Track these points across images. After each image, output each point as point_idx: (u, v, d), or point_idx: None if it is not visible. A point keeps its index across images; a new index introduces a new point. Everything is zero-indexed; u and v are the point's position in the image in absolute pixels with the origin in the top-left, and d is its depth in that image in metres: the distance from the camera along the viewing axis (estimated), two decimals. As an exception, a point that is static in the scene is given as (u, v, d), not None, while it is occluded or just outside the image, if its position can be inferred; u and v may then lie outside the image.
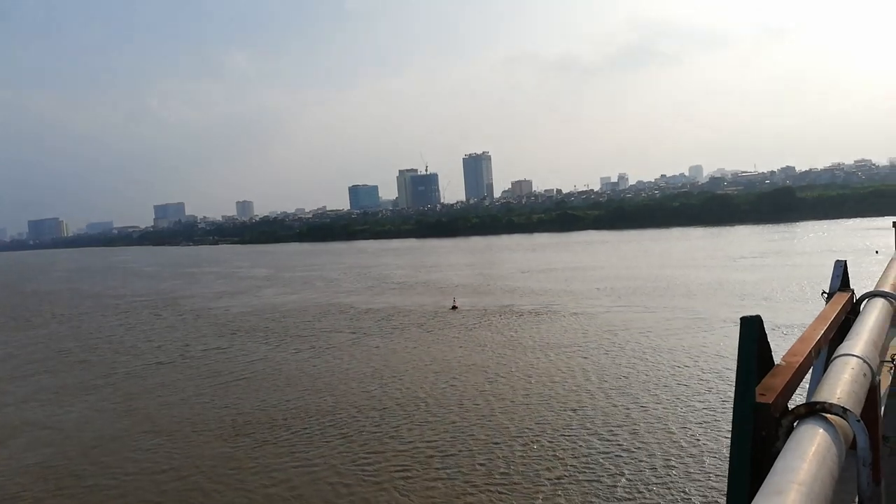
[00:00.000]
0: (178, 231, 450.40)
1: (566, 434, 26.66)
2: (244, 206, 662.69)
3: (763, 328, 3.16)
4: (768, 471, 2.20)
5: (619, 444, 25.22)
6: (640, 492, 21.07)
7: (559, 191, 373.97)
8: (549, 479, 22.29)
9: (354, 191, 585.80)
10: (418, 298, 71.84)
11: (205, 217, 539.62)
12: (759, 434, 2.79)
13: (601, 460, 23.82)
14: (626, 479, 22.01)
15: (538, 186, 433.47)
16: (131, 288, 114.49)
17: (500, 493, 21.67)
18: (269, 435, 28.97)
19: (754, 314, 3.18)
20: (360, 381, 37.39)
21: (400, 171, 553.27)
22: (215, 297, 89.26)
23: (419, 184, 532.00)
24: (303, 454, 26.32)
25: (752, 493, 2.09)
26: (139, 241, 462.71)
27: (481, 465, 24.09)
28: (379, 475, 23.64)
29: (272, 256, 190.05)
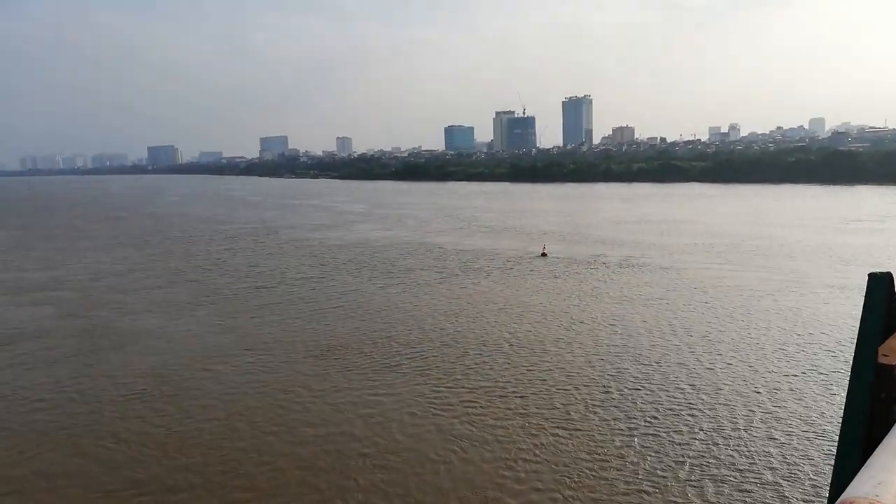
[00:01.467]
0: (281, 164, 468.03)
1: (646, 386, 26.58)
2: (343, 142, 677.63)
3: (893, 286, 2.96)
4: (885, 433, 2.15)
5: (700, 401, 24.90)
6: (715, 448, 20.88)
7: (663, 139, 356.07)
8: (624, 429, 22.47)
9: (450, 131, 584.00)
10: (506, 243, 72.06)
11: (306, 151, 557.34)
12: (877, 395, 2.70)
13: (680, 414, 23.70)
14: (704, 435, 21.84)
15: (641, 134, 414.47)
16: (237, 215, 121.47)
17: (572, 435, 22.11)
18: (355, 360, 30.70)
19: (885, 271, 3.01)
20: (443, 318, 38.53)
21: (496, 113, 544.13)
22: (313, 228, 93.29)
23: (515, 126, 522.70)
24: (383, 381, 27.79)
25: (867, 453, 2.07)
26: (245, 171, 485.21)
27: (556, 407, 24.57)
28: (451, 408, 24.65)
29: (368, 193, 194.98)
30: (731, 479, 18.95)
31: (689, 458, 20.27)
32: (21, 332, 37.12)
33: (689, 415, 23.61)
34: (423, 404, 25.04)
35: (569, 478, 19.22)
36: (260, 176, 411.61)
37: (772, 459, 20.09)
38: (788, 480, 18.83)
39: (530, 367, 29.23)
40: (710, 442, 21.36)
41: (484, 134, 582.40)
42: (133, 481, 19.58)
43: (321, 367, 29.89)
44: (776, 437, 21.72)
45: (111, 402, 26.02)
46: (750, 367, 28.77)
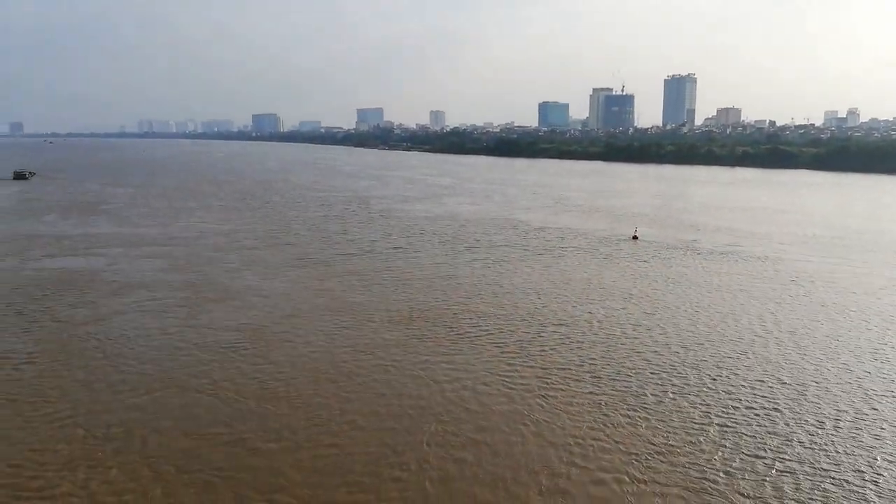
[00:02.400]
0: (376, 135, 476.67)
1: (744, 377, 25.81)
2: (437, 115, 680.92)
3: None
4: None
5: (804, 398, 23.99)
6: (817, 448, 20.22)
7: (772, 123, 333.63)
8: (718, 425, 22.02)
9: (544, 107, 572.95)
10: (595, 224, 70.88)
11: (400, 124, 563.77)
12: None
13: (782, 410, 22.97)
14: (806, 434, 21.11)
15: (747, 116, 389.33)
16: (331, 183, 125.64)
17: (644, 421, 21.99)
18: (435, 330, 31.62)
19: None
20: (523, 295, 38.76)
21: (594, 90, 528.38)
22: (403, 200, 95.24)
23: (613, 104, 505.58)
24: (461, 353, 28.52)
25: None
26: (342, 141, 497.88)
27: (633, 391, 24.43)
28: (525, 385, 25.00)
29: (458, 167, 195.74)
30: (830, 481, 18.37)
31: (781, 455, 19.76)
32: (137, 282, 40.65)
33: (792, 413, 22.89)
34: (498, 380, 25.57)
35: (637, 465, 19.25)
36: (355, 146, 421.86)
37: (869, 464, 19.28)
38: (882, 487, 18.07)
39: (608, 349, 29.10)
40: (810, 443, 20.67)
41: (580, 111, 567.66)
42: (225, 427, 21.40)
43: (403, 334, 31.02)
44: (863, 440, 20.76)
45: (211, 352, 28.25)
46: (866, 369, 27.36)
